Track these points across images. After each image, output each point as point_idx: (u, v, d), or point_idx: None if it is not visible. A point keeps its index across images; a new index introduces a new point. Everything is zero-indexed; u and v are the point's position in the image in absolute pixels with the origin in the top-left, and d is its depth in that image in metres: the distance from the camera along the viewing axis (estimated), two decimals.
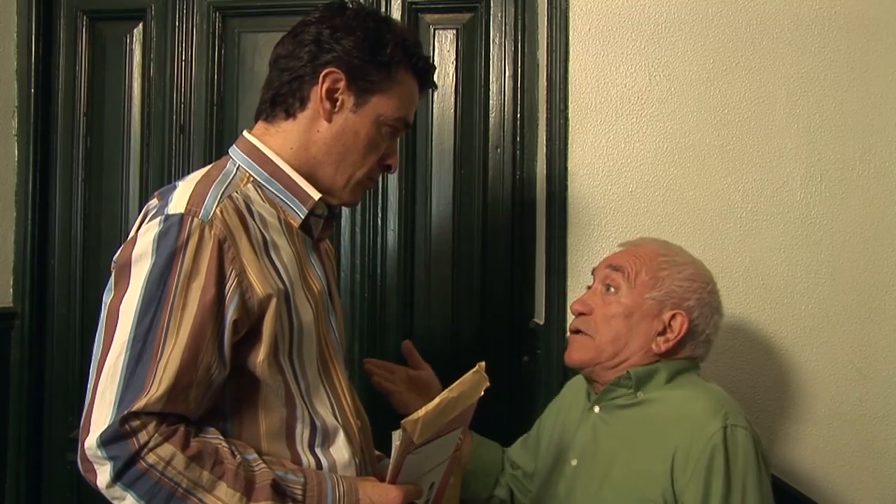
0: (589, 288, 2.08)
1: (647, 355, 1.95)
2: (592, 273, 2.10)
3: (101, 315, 1.56)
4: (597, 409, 2.01)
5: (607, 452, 1.93)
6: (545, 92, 2.60)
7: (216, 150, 2.92)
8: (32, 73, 2.97)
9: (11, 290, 2.98)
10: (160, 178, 2.93)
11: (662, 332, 1.95)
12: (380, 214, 2.88)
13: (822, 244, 2.46)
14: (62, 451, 2.98)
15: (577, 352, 2.02)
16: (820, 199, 2.47)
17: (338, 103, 1.70)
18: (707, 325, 1.98)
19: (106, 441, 1.43)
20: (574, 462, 2.00)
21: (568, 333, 2.08)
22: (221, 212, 1.55)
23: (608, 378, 1.98)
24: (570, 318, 2.44)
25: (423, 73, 1.81)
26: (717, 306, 2.01)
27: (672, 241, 2.10)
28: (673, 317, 1.94)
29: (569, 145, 2.53)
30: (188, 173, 1.76)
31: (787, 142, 2.47)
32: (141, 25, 3.02)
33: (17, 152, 2.98)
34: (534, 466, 2.22)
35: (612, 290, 1.99)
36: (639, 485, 1.82)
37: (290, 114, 1.72)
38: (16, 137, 2.98)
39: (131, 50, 3.02)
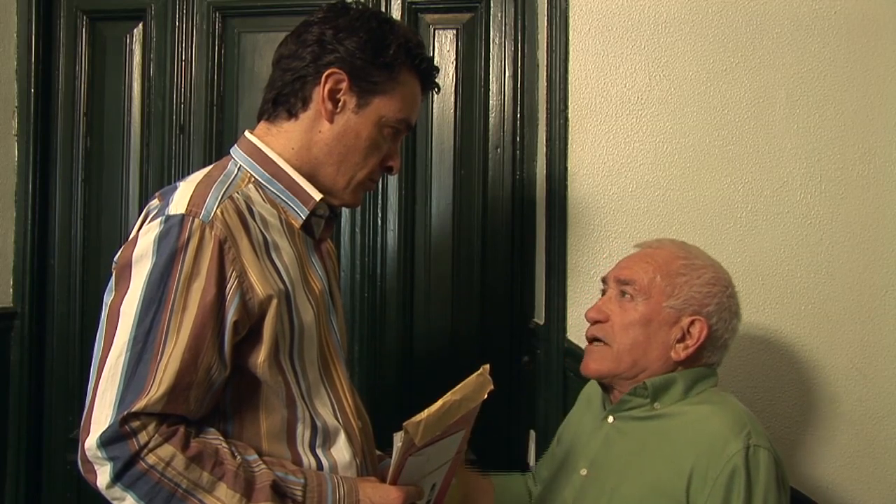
0: (603, 293, 2.03)
1: (665, 364, 1.90)
2: (603, 280, 2.05)
3: (102, 315, 1.57)
4: (611, 419, 1.96)
5: (619, 464, 1.88)
6: (545, 92, 2.60)
7: (216, 150, 2.92)
8: (32, 73, 2.97)
9: (11, 290, 2.98)
10: (160, 178, 2.93)
11: (681, 339, 1.89)
12: (380, 214, 2.89)
13: (822, 244, 2.46)
14: (62, 451, 2.99)
15: (595, 362, 1.96)
16: (820, 199, 2.46)
17: (340, 104, 1.70)
18: (726, 329, 1.93)
19: (106, 441, 1.43)
20: (584, 471, 1.95)
21: (587, 342, 2.02)
22: (222, 212, 1.55)
23: (625, 387, 1.93)
24: (571, 318, 2.47)
25: (426, 74, 1.81)
26: (736, 310, 1.97)
27: None
28: (692, 323, 1.88)
29: (569, 145, 2.52)
30: (188, 173, 1.76)
31: (787, 142, 2.47)
32: (141, 25, 3.02)
33: (17, 152, 2.98)
34: None
35: (628, 296, 1.93)
36: (650, 498, 1.78)
37: (292, 114, 1.72)
38: (16, 137, 2.98)
39: (131, 50, 3.03)
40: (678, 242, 2.04)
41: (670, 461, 1.79)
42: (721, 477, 1.71)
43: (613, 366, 1.93)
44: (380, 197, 2.88)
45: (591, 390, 2.15)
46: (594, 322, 1.98)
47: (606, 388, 2.01)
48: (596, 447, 1.96)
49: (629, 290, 1.93)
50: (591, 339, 1.99)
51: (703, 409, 1.86)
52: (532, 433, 2.67)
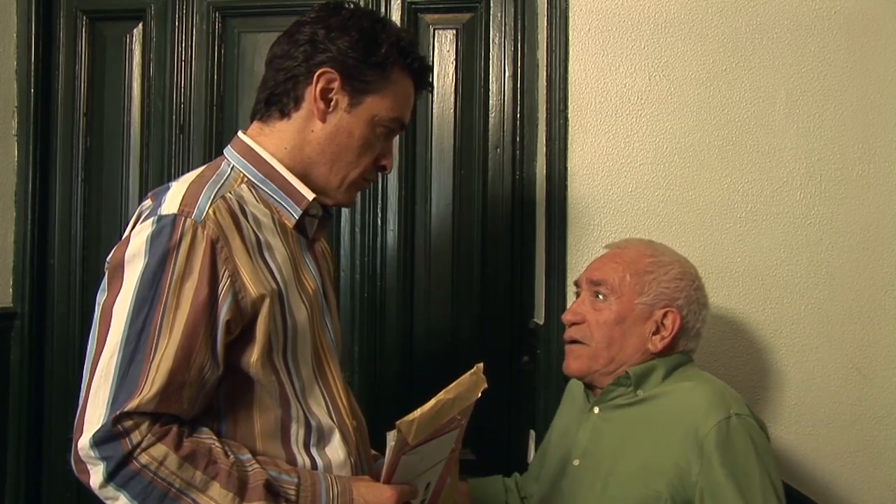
0: (577, 296, 2.10)
1: (643, 356, 1.97)
2: (576, 283, 2.12)
3: (95, 315, 1.56)
4: (596, 409, 2.01)
5: (610, 450, 1.93)
6: (545, 92, 2.60)
7: (216, 149, 2.91)
8: (32, 73, 2.98)
9: (11, 290, 2.98)
10: (160, 178, 2.93)
11: (656, 332, 1.97)
12: (380, 214, 2.88)
13: (821, 244, 2.46)
14: (62, 451, 2.99)
15: (575, 361, 2.04)
16: (820, 199, 2.46)
17: (332, 103, 1.70)
18: (696, 320, 2.01)
19: (99, 441, 1.43)
20: (576, 462, 2.00)
21: (565, 345, 2.08)
22: (214, 212, 1.55)
23: (606, 382, 1.99)
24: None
25: (419, 73, 1.81)
26: (705, 301, 2.05)
27: (671, 242, 2.13)
28: (665, 315, 1.96)
29: (569, 145, 2.52)
30: (187, 173, 1.76)
31: (787, 142, 2.47)
32: (141, 25, 3.03)
33: (17, 152, 2.99)
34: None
35: (601, 297, 2.00)
36: (644, 478, 1.83)
37: (284, 113, 1.72)
38: (16, 137, 2.98)
39: (131, 50, 3.03)
40: (645, 241, 2.13)
41: (659, 440, 1.86)
42: (707, 447, 1.77)
43: (591, 363, 2.00)
44: (380, 197, 2.88)
45: (574, 387, 2.22)
46: (571, 324, 2.06)
47: (588, 385, 2.07)
48: (585, 438, 2.02)
49: (601, 290, 2.01)
50: (570, 341, 2.06)
51: (683, 386, 1.94)
52: (532, 433, 2.67)
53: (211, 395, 1.57)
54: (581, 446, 2.01)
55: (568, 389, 2.27)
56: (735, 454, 1.77)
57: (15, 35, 2.98)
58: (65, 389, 3.00)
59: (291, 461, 1.63)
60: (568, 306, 2.49)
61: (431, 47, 2.88)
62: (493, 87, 2.85)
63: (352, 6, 1.78)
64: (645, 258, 2.01)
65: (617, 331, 1.97)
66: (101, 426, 1.43)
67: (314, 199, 1.72)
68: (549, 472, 2.12)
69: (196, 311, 1.49)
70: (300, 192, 1.71)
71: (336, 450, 1.69)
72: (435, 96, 2.87)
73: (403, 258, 2.89)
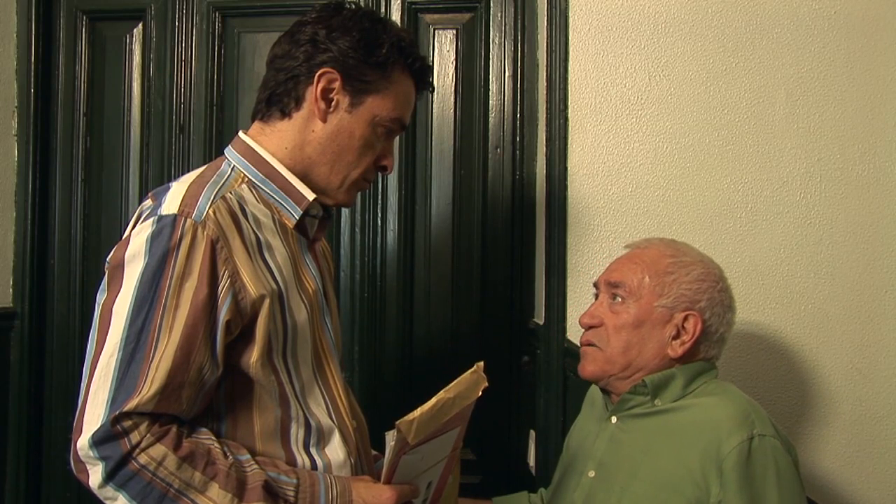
0: (596, 297, 2.03)
1: (662, 362, 1.89)
2: (595, 285, 2.05)
3: (95, 315, 1.56)
4: (614, 419, 1.95)
5: (627, 463, 1.87)
6: (545, 92, 2.60)
7: (216, 150, 2.92)
8: (32, 73, 2.97)
9: (11, 290, 2.98)
10: (160, 178, 2.93)
11: (677, 336, 1.89)
12: (380, 214, 2.88)
13: (822, 244, 2.46)
14: (62, 451, 2.99)
15: (590, 364, 1.96)
16: (820, 199, 2.46)
17: (333, 103, 1.70)
18: (720, 323, 1.92)
19: (98, 441, 1.43)
20: (591, 473, 1.95)
21: (581, 347, 2.01)
22: (214, 212, 1.55)
23: (623, 388, 1.92)
24: (571, 318, 2.47)
25: (420, 73, 1.81)
26: (730, 304, 1.96)
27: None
28: (685, 318, 1.88)
29: (569, 145, 2.52)
30: (188, 173, 1.76)
31: (787, 142, 2.46)
32: (141, 25, 3.03)
33: (17, 152, 2.99)
34: None
35: (619, 299, 1.93)
36: (661, 496, 1.77)
37: (285, 113, 1.72)
38: (16, 137, 2.98)
39: (131, 50, 3.03)
40: (667, 241, 2.04)
41: (678, 457, 1.78)
42: (726, 469, 1.70)
43: (607, 367, 1.92)
44: (380, 197, 2.88)
45: (594, 393, 2.14)
46: (588, 328, 1.98)
47: (605, 390, 2.01)
48: (602, 448, 1.96)
49: (619, 292, 1.93)
50: (586, 344, 1.98)
51: (705, 401, 1.85)
52: (532, 433, 2.67)
53: (210, 396, 1.57)
54: (597, 457, 1.95)
55: (589, 394, 2.20)
56: (753, 477, 1.70)
57: (15, 35, 2.98)
58: (65, 389, 3.00)
59: (291, 461, 1.63)
60: (569, 306, 2.51)
61: (431, 47, 2.88)
62: (493, 87, 2.85)
63: (353, 6, 1.78)
64: (665, 258, 1.93)
65: (634, 335, 1.89)
66: (101, 426, 1.43)
67: (314, 199, 1.72)
68: (564, 480, 2.07)
69: (196, 311, 1.49)
70: (300, 193, 1.71)
71: (336, 450, 1.69)
72: (435, 96, 2.86)
73: (403, 258, 2.88)
